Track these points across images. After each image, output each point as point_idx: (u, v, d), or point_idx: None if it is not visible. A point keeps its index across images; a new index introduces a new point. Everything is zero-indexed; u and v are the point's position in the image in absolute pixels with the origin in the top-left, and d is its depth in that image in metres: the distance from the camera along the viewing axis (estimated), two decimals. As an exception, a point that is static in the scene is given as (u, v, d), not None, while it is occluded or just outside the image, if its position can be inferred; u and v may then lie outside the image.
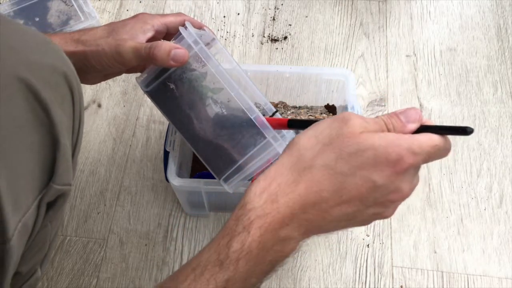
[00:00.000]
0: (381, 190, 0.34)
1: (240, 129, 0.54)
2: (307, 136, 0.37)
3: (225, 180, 0.57)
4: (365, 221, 0.37)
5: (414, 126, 0.36)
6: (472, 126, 0.35)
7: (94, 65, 0.50)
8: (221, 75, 0.53)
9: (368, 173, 0.34)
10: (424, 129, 0.36)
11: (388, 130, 0.36)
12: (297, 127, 0.53)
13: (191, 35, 0.52)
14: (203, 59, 0.53)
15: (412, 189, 0.37)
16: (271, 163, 0.54)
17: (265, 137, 0.52)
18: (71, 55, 0.49)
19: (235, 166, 0.55)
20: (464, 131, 0.34)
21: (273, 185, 0.36)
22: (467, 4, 1.02)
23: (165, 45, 0.49)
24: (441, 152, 0.36)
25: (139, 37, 0.51)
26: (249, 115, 0.53)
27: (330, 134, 0.36)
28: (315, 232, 0.37)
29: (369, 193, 0.35)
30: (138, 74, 0.61)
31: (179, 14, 0.56)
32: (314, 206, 0.35)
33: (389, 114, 0.37)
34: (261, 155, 0.53)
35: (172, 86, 0.55)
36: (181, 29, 0.53)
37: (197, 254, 0.37)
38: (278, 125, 0.52)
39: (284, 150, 0.38)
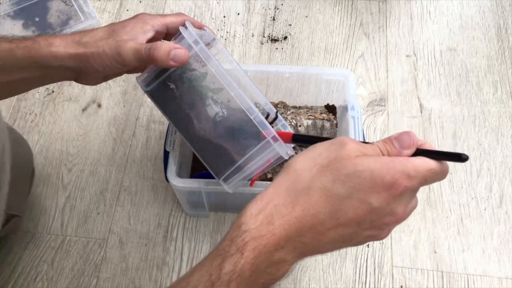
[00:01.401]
0: (377, 212, 0.35)
1: (240, 129, 0.54)
2: (305, 158, 0.37)
3: (225, 180, 0.57)
4: (359, 243, 0.38)
5: (408, 152, 0.36)
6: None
7: (95, 67, 0.50)
8: (221, 75, 0.53)
9: (364, 195, 0.34)
10: (419, 153, 0.36)
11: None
12: (301, 142, 0.54)
13: (191, 35, 0.52)
14: (203, 59, 0.53)
15: (408, 213, 0.37)
16: (271, 163, 0.54)
17: (264, 137, 0.52)
18: (73, 57, 0.49)
19: (235, 166, 0.55)
20: (459, 157, 0.34)
21: (269, 206, 0.36)
22: (467, 4, 1.02)
23: (164, 46, 0.49)
24: (438, 176, 0.36)
25: (139, 37, 0.51)
26: (249, 115, 0.53)
27: (328, 156, 0.36)
28: (309, 254, 0.37)
29: (365, 215, 0.35)
30: (139, 74, 0.61)
31: (179, 14, 0.56)
32: (311, 229, 0.35)
33: (383, 140, 0.38)
34: (261, 155, 0.53)
35: (172, 86, 0.55)
36: (181, 29, 0.53)
37: (188, 272, 0.36)
38: (283, 139, 0.52)
39: (281, 171, 0.38)
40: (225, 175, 0.56)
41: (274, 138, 0.52)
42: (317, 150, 0.37)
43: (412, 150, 0.36)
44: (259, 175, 0.57)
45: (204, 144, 0.56)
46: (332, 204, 0.35)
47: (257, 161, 0.54)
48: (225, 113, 0.54)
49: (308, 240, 0.35)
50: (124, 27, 0.51)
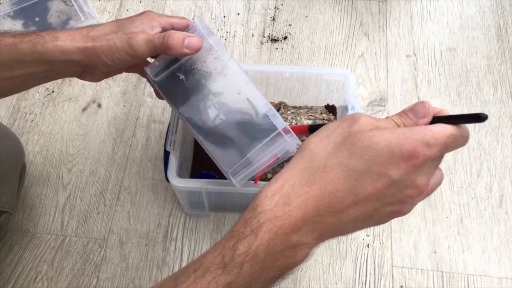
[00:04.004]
0: (397, 185, 0.33)
1: (251, 121, 0.54)
2: (318, 137, 0.36)
3: (233, 174, 0.56)
4: (382, 220, 0.36)
5: (425, 121, 0.35)
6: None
7: (104, 61, 0.50)
8: (233, 66, 0.53)
9: (383, 168, 0.32)
10: (436, 120, 0.35)
11: None
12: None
13: (205, 26, 0.53)
14: (217, 50, 0.53)
15: (432, 187, 0.35)
16: (278, 158, 0.54)
17: (276, 129, 0.52)
18: (81, 51, 0.49)
19: (244, 159, 0.55)
20: (478, 118, 0.32)
21: (285, 187, 0.34)
22: (467, 4, 1.02)
23: (178, 34, 0.49)
24: (459, 141, 0.34)
25: (148, 32, 0.51)
26: (262, 107, 0.53)
27: (341, 133, 0.35)
28: (329, 235, 0.35)
29: (385, 189, 0.33)
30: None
31: (183, 17, 0.57)
32: (329, 207, 0.34)
33: (398, 114, 0.36)
34: (271, 147, 0.53)
35: (182, 76, 0.55)
36: (194, 20, 0.53)
37: (201, 255, 0.36)
38: (299, 132, 0.52)
39: (296, 153, 0.37)
40: (233, 169, 0.56)
41: (285, 130, 0.52)
42: (330, 129, 0.36)
43: (429, 119, 0.35)
44: (266, 170, 0.56)
45: (212, 136, 0.56)
46: (350, 180, 0.33)
47: (267, 154, 0.53)
48: (234, 106, 0.54)
49: (327, 220, 0.34)
50: (132, 21, 0.52)
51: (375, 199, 0.33)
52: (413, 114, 0.35)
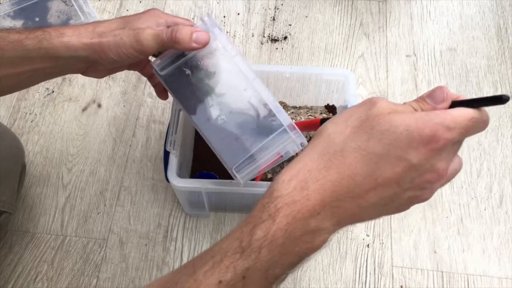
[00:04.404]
0: (416, 169, 0.32)
1: (254, 120, 0.54)
2: (336, 122, 0.35)
3: (237, 170, 0.56)
4: (401, 206, 0.35)
5: (443, 105, 0.34)
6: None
7: (110, 56, 0.50)
8: (240, 62, 0.54)
9: (402, 152, 0.32)
10: (455, 105, 0.34)
11: None
12: None
13: (213, 21, 0.53)
14: (224, 46, 0.53)
15: (451, 173, 0.34)
16: (281, 156, 0.54)
17: (281, 125, 0.52)
18: (87, 46, 0.49)
19: (248, 155, 0.55)
20: (500, 100, 0.31)
21: (302, 171, 0.34)
22: (467, 4, 1.02)
23: (186, 28, 0.50)
24: (480, 125, 0.33)
25: (154, 28, 0.52)
26: (269, 103, 0.53)
27: (359, 116, 0.34)
28: (348, 221, 0.34)
29: (405, 173, 0.32)
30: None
31: (188, 19, 0.57)
32: (348, 192, 0.33)
33: (416, 100, 0.36)
34: (276, 144, 0.53)
35: (188, 71, 0.55)
36: (203, 16, 0.54)
37: (218, 241, 0.35)
38: (310, 126, 0.51)
39: (313, 137, 0.36)
40: (237, 165, 0.56)
41: (291, 127, 0.52)
42: (347, 113, 0.35)
43: (447, 104, 0.34)
44: (271, 166, 0.56)
45: (217, 132, 0.56)
46: (369, 164, 0.33)
47: (271, 150, 0.53)
48: (241, 103, 0.54)
49: (346, 205, 0.33)
50: (139, 18, 0.52)
51: (394, 184, 0.33)
52: (431, 99, 0.35)
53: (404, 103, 0.35)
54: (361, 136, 0.33)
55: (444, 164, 0.33)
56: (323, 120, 0.51)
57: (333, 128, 0.35)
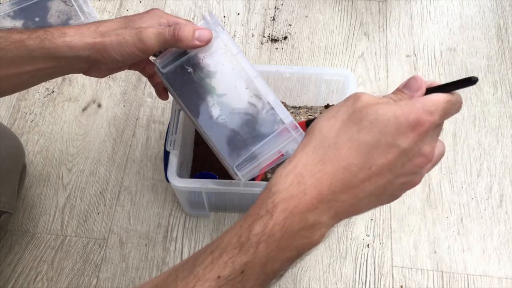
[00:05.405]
0: (406, 154, 0.34)
1: (255, 119, 0.54)
2: (325, 118, 0.37)
3: (238, 168, 0.56)
4: (394, 193, 0.36)
5: (420, 93, 0.36)
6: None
7: (113, 56, 0.50)
8: (242, 60, 0.54)
9: (392, 138, 0.33)
10: (430, 91, 0.36)
11: None
12: None
13: (215, 20, 0.53)
14: (226, 44, 0.53)
15: (437, 156, 0.36)
16: (282, 155, 0.54)
17: (283, 123, 0.53)
18: (90, 46, 0.49)
19: (249, 153, 0.55)
20: (469, 81, 0.34)
21: (299, 166, 0.35)
22: (467, 4, 1.02)
23: (189, 26, 0.50)
24: (455, 106, 0.36)
25: (156, 27, 0.52)
26: (271, 102, 0.53)
27: (346, 110, 0.35)
28: (345, 214, 0.35)
29: (396, 159, 0.34)
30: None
31: (189, 20, 0.57)
32: (344, 184, 0.34)
33: (393, 92, 0.38)
34: (277, 142, 0.53)
35: (190, 69, 0.55)
36: (206, 15, 0.54)
37: (218, 237, 0.36)
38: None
39: (305, 135, 0.37)
40: (238, 163, 0.56)
41: (293, 126, 0.52)
42: (335, 109, 0.37)
43: (423, 91, 0.36)
44: (272, 165, 0.56)
45: (218, 130, 0.56)
46: (362, 154, 0.34)
47: (272, 148, 0.54)
48: (241, 100, 0.54)
49: (342, 197, 0.34)
50: (141, 17, 0.52)
51: (387, 171, 0.34)
52: (407, 89, 0.37)
53: (384, 96, 0.37)
54: (352, 128, 0.34)
55: (430, 148, 0.35)
56: (308, 122, 0.51)
57: (323, 124, 0.36)
